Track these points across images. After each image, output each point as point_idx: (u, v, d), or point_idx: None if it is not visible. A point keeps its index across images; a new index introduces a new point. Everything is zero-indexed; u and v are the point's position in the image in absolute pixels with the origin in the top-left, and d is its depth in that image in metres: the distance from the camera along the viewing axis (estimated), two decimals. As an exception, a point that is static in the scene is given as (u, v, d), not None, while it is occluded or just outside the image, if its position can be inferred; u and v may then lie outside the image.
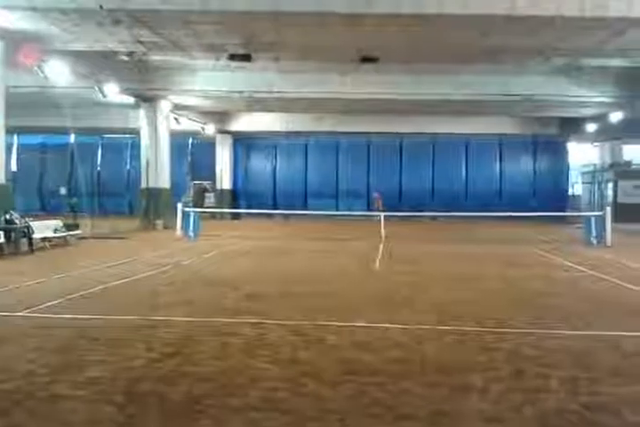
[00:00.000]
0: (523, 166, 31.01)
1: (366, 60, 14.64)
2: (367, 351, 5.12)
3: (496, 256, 12.98)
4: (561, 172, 30.28)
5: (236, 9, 10.92)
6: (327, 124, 27.34)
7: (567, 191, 30.83)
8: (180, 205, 17.72)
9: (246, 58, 14.75)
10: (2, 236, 11.61)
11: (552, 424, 3.64)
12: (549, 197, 27.93)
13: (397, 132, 28.39)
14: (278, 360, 4.80)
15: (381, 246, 14.60)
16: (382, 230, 17.16)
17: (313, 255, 12.99)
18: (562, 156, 30.27)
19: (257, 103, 21.98)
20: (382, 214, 17.96)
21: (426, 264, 11.58)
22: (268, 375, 4.41)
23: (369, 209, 25.32)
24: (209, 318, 6.25)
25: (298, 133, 29.41)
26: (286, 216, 26.32)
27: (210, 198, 28.87)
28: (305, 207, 27.82)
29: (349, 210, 25.48)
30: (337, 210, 26.64)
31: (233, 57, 14.75)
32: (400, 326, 6.02)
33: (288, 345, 5.29)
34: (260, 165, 32.24)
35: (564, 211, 20.58)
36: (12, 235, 12.15)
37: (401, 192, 30.19)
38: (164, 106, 21.23)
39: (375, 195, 26.72)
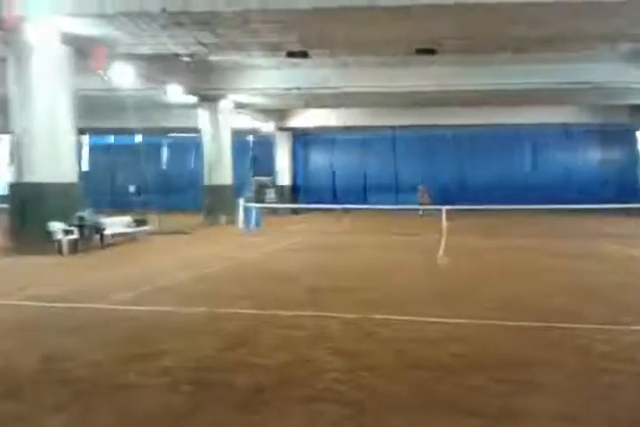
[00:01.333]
0: (590, 156, 29.78)
1: (423, 51, 14.45)
2: (429, 345, 5.11)
3: (566, 249, 12.56)
4: (632, 162, 28.88)
5: (294, 7, 11.03)
6: (385, 118, 27.18)
7: (638, 182, 29.39)
8: (241, 201, 18.10)
9: (303, 55, 14.88)
10: (76, 232, 12.23)
11: (624, 421, 3.52)
12: (619, 189, 26.70)
13: (458, 124, 27.85)
14: (339, 353, 4.86)
15: (443, 240, 14.41)
16: (444, 224, 16.93)
17: (373, 249, 13.00)
18: (632, 145, 28.84)
19: (314, 99, 22.13)
20: (444, 208, 17.65)
21: (490, 258, 11.36)
22: (330, 367, 4.48)
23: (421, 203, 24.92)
24: (272, 311, 6.40)
25: (356, 128, 29.39)
26: (346, 211, 26.37)
27: (270, 194, 29.29)
28: (364, 202, 27.80)
29: (409, 204, 25.22)
30: (396, 204, 26.41)
31: (291, 54, 14.92)
32: (464, 321, 5.95)
33: (349, 338, 5.35)
34: (318, 160, 32.48)
35: (634, 202, 19.64)
36: (85, 231, 12.77)
37: (464, 185, 29.64)
38: (225, 105, 21.71)
39: (420, 188, 26.26)
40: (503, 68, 18.10)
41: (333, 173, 31.99)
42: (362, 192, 30.40)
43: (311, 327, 5.74)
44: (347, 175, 31.41)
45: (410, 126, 28.26)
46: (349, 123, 27.86)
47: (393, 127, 28.74)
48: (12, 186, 12.31)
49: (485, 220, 21.33)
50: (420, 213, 23.59)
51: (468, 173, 30.01)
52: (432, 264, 10.47)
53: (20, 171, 12.04)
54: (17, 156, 12.04)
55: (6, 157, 12.97)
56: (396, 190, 30.05)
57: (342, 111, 27.04)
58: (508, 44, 14.62)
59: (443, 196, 25.15)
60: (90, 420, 3.53)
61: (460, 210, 19.35)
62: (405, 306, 6.75)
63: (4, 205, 12.94)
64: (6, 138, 15.21)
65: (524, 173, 29.67)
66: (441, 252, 12.11)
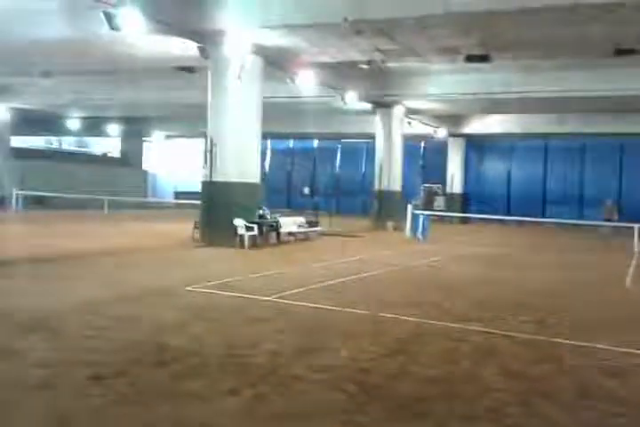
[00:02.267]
0: None
1: (622, 52, 13.11)
2: (611, 376, 4.59)
3: None
4: None
5: (477, 9, 10.70)
6: (570, 125, 25.18)
7: None
8: (410, 208, 18.02)
9: (484, 58, 14.36)
10: (256, 228, 13.16)
11: None
12: None
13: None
14: (508, 373, 4.58)
15: (634, 262, 12.94)
16: (635, 244, 15.22)
17: (550, 267, 12.08)
18: None
19: (493, 105, 21.28)
20: (637, 226, 15.77)
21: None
22: (496, 387, 4.24)
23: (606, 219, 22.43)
24: (436, 322, 6.24)
25: (536, 135, 27.66)
26: (520, 223, 24.92)
27: (439, 202, 28.80)
28: (542, 215, 26.00)
29: (593, 220, 22.98)
30: (581, 219, 24.20)
31: (470, 58, 14.50)
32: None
33: (519, 359, 5.01)
34: (493, 168, 31.13)
35: None
36: (264, 228, 13.69)
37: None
38: (398, 111, 21.81)
39: (607, 203, 23.62)
40: None
41: (509, 182, 30.43)
42: (539, 204, 28.46)
43: (479, 343, 5.49)
44: (524, 185, 29.67)
45: (601, 134, 25.80)
46: (530, 129, 26.31)
47: (579, 135, 26.50)
48: (205, 185, 13.61)
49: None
50: (606, 230, 21.40)
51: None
52: (619, 288, 9.44)
53: (211, 171, 13.27)
54: (210, 157, 13.27)
55: (201, 159, 14.34)
56: (580, 204, 27.64)
57: (523, 117, 25.63)
58: None
59: (634, 213, 22.56)
60: (260, 406, 3.74)
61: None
62: (587, 331, 6.15)
63: (198, 202, 14.40)
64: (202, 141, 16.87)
65: None
66: (630, 275, 10.87)
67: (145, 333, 5.40)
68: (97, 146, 40.76)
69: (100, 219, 21.23)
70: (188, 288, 7.65)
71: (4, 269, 8.99)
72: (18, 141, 33.73)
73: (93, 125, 31.98)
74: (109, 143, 38.17)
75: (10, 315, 5.87)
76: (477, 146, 30.90)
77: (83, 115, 29.63)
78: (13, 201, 23.58)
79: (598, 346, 5.46)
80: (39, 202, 25.02)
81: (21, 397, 3.76)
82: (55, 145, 40.44)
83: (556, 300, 8.02)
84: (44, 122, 30.56)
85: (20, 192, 23.78)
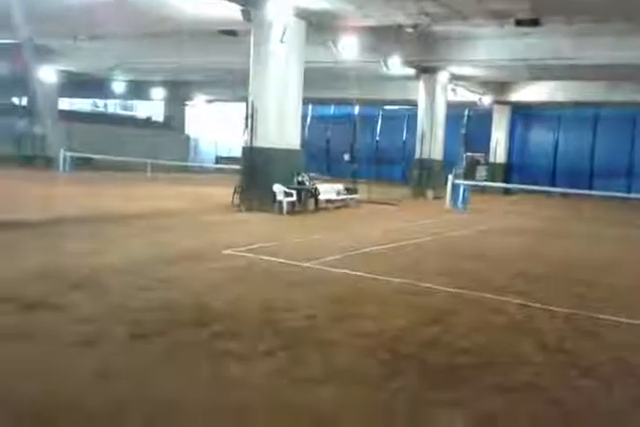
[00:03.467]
0: None
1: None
2: (652, 354, 4.51)
3: None
4: None
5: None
6: (622, 93, 24.05)
7: None
8: (450, 177, 17.74)
9: (534, 23, 13.78)
10: (295, 195, 13.22)
11: None
12: None
13: None
14: (544, 347, 4.54)
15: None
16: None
17: (593, 240, 11.79)
18: None
19: (542, 72, 20.46)
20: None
21: None
22: (532, 360, 4.22)
23: None
24: (473, 292, 6.20)
25: (586, 104, 26.56)
26: (564, 195, 24.27)
27: (482, 171, 28.20)
28: (589, 187, 25.20)
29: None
30: (629, 192, 23.37)
31: (520, 22, 13.93)
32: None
33: (556, 333, 4.95)
34: (539, 138, 30.17)
35: None
36: (303, 195, 13.74)
37: None
38: (443, 77, 21.24)
39: None
40: None
41: (555, 152, 29.49)
42: (587, 176, 27.54)
43: (516, 315, 5.44)
44: (570, 156, 28.69)
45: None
46: (580, 98, 25.24)
47: (632, 104, 25.30)
48: (245, 150, 13.67)
49: None
50: None
51: None
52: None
53: (252, 136, 13.29)
54: (251, 122, 13.27)
55: (242, 124, 14.35)
56: (629, 177, 26.65)
57: (572, 84, 24.59)
58: None
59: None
60: (295, 368, 3.83)
61: None
62: (629, 307, 6.02)
63: (238, 167, 14.50)
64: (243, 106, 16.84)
65: None
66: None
67: (185, 294, 5.55)
68: (141, 109, 41.29)
69: (143, 181, 21.67)
70: (227, 251, 7.79)
71: (55, 227, 9.33)
72: (65, 104, 34.43)
73: (138, 89, 32.28)
74: (153, 107, 38.59)
75: (56, 273, 6.11)
76: (524, 114, 29.92)
77: (128, 78, 29.92)
78: (61, 162, 24.23)
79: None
80: (85, 163, 25.65)
81: (64, 352, 3.91)
82: (101, 108, 41.16)
83: (600, 275, 7.84)
84: (91, 85, 31.00)
85: (67, 153, 24.40)
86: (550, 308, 5.72)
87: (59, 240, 8.23)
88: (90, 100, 40.21)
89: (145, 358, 3.88)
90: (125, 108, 41.66)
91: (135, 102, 41.01)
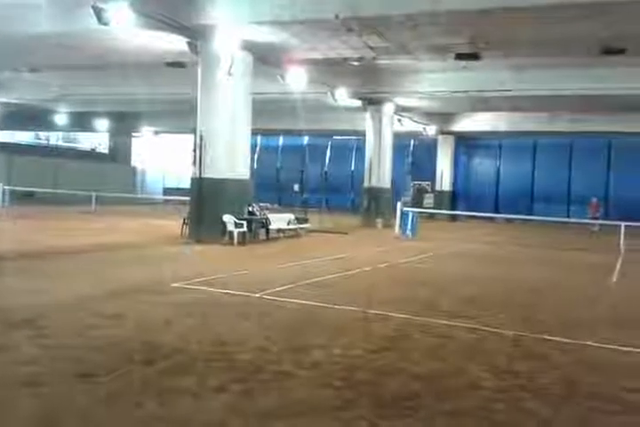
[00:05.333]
0: None
1: (610, 52, 13.22)
2: (597, 374, 4.65)
3: None
4: None
5: (467, 8, 10.72)
6: (560, 124, 25.33)
7: None
8: (399, 205, 18.07)
9: (474, 57, 14.43)
10: (245, 225, 13.14)
11: None
12: None
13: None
14: (495, 370, 4.62)
15: (620, 259, 13.08)
16: (621, 242, 15.38)
17: (536, 264, 12.20)
18: None
19: (483, 103, 21.35)
20: (623, 224, 15.94)
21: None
22: (483, 384, 4.28)
23: (592, 217, 22.74)
24: (423, 318, 6.28)
25: (526, 134, 27.80)
26: (508, 221, 25.09)
27: (428, 199, 28.89)
28: (529, 212, 26.16)
29: (580, 218, 23.18)
30: (568, 217, 24.37)
31: (460, 56, 14.55)
32: None
33: (506, 356, 5.06)
34: (482, 166, 31.27)
35: None
36: (253, 225, 13.67)
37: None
38: (389, 108, 21.85)
39: (593, 201, 23.93)
40: None
41: (498, 180, 30.58)
42: (528, 202, 28.61)
43: (466, 340, 5.53)
44: (512, 183, 29.81)
45: (590, 133, 25.93)
46: (520, 128, 26.45)
47: (568, 133, 26.65)
48: (194, 181, 13.56)
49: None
50: (596, 228, 21.65)
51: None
52: (605, 285, 9.54)
53: (201, 167, 13.21)
54: (199, 153, 13.21)
55: (190, 155, 14.26)
56: (568, 202, 27.82)
57: (513, 115, 25.77)
58: None
59: (620, 211, 22.81)
60: (248, 402, 3.74)
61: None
62: (573, 328, 6.21)
63: (187, 198, 14.33)
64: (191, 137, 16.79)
65: None
66: (616, 272, 10.99)
67: (132, 330, 5.39)
68: (85, 141, 40.47)
69: (87, 215, 21.09)
70: (176, 284, 7.63)
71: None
72: (5, 136, 33.37)
73: (82, 120, 31.74)
74: (98, 139, 37.92)
75: (-4, 311, 5.82)
76: (467, 144, 31.03)
77: (72, 109, 29.38)
78: (0, 196, 23.33)
79: (586, 342, 5.52)
80: (27, 197, 24.79)
81: (9, 394, 3.73)
82: (44, 140, 40.09)
83: (542, 297, 8.10)
84: (32, 117, 30.27)
85: (7, 187, 23.54)
86: (498, 331, 5.84)
87: (2, 278, 7.87)
88: (32, 133, 39.16)
89: (89, 398, 3.72)
90: (69, 140, 40.73)
91: (79, 134, 40.17)
